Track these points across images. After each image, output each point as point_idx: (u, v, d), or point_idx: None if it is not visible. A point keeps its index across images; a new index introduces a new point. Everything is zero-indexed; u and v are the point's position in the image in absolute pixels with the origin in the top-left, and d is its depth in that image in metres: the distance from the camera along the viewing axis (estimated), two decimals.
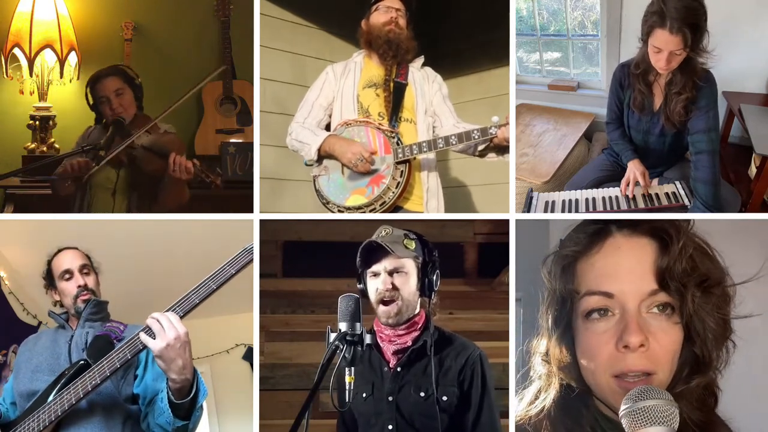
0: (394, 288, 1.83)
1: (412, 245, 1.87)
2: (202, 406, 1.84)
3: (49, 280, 2.16)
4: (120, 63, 3.04)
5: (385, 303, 1.84)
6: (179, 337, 1.70)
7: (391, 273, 1.84)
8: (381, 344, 1.89)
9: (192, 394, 1.76)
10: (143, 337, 1.72)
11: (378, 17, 2.59)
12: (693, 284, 1.26)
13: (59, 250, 2.18)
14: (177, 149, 2.73)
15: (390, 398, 1.84)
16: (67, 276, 2.12)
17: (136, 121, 2.84)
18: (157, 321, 1.71)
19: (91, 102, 2.92)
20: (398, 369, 1.86)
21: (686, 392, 1.28)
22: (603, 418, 1.32)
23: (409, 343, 1.86)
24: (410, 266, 1.86)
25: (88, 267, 2.16)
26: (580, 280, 1.31)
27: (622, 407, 1.21)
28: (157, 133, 2.80)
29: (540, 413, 1.36)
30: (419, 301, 1.88)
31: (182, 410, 1.77)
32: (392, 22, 2.57)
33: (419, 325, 1.87)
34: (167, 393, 1.76)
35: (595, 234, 1.32)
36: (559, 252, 1.36)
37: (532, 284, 1.45)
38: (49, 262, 2.17)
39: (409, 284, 1.85)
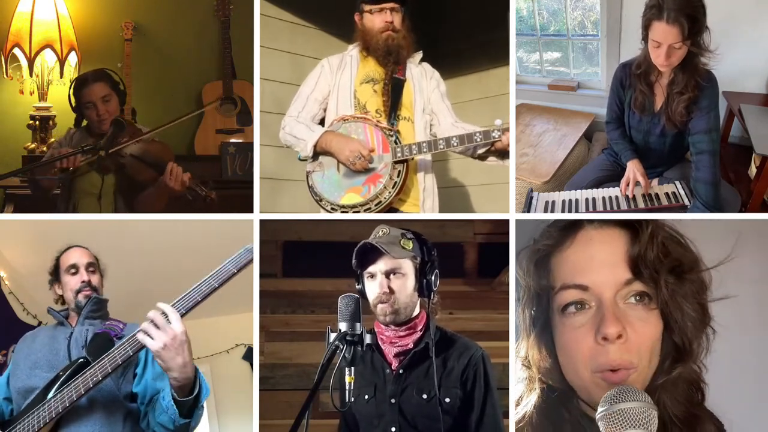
0: (391, 292, 1.82)
1: (410, 245, 1.85)
2: (203, 404, 1.84)
3: (55, 274, 2.18)
4: (106, 67, 2.97)
5: (382, 302, 1.83)
6: (176, 337, 1.69)
7: (387, 275, 1.83)
8: (382, 346, 1.88)
9: (195, 392, 1.76)
10: (141, 337, 1.71)
11: (373, 21, 2.51)
12: (665, 270, 1.25)
13: (69, 247, 2.21)
14: (168, 158, 2.71)
15: (392, 400, 1.84)
16: (72, 270, 2.14)
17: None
18: (153, 322, 1.70)
19: (74, 104, 2.88)
20: (400, 371, 1.85)
21: (669, 383, 1.27)
22: (585, 418, 1.30)
23: (411, 345, 1.85)
24: (408, 267, 1.85)
25: (95, 266, 2.18)
26: (554, 275, 1.31)
27: (599, 410, 1.18)
28: (144, 141, 2.76)
29: (522, 420, 1.35)
30: (419, 302, 1.87)
31: (185, 408, 1.76)
32: (388, 27, 2.49)
33: (420, 327, 1.86)
34: (170, 391, 1.76)
35: (566, 228, 1.33)
36: (531, 247, 1.36)
37: None
38: (58, 258, 2.19)
39: (407, 286, 1.84)
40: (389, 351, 1.87)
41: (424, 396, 1.82)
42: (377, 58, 2.54)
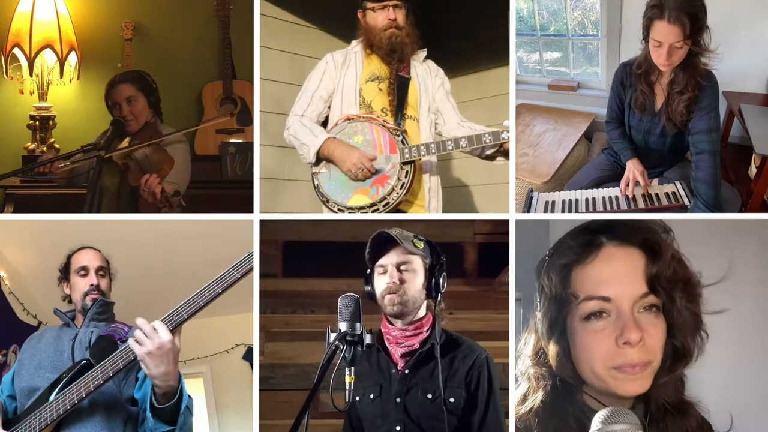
0: (401, 282, 1.84)
1: (421, 245, 1.88)
2: (189, 410, 1.84)
3: (65, 273, 2.20)
4: (138, 68, 3.01)
5: (391, 292, 1.85)
6: (162, 345, 1.71)
7: (398, 266, 1.85)
8: (389, 347, 1.89)
9: (176, 398, 1.77)
10: (130, 341, 1.75)
11: (376, 19, 2.49)
12: (679, 288, 1.41)
13: (83, 247, 2.22)
14: (162, 169, 2.70)
15: (398, 400, 1.85)
16: (82, 272, 2.16)
17: (145, 131, 2.81)
18: (141, 329, 1.73)
19: (110, 104, 2.90)
20: (406, 371, 1.86)
21: (669, 381, 1.44)
22: (589, 410, 1.41)
23: (417, 346, 1.86)
24: (418, 263, 1.87)
25: (105, 270, 2.19)
26: (577, 286, 1.42)
27: (592, 427, 1.33)
28: (153, 147, 2.76)
29: (529, 413, 1.46)
30: (426, 303, 1.89)
31: (167, 414, 1.78)
32: (391, 25, 2.47)
33: (426, 327, 1.88)
34: (150, 396, 1.78)
35: (586, 245, 1.44)
36: (555, 260, 1.46)
37: (532, 284, 1.49)
38: (69, 257, 2.20)
39: (416, 282, 1.86)
40: (395, 351, 1.88)
41: (429, 396, 1.82)
42: (381, 56, 2.52)
